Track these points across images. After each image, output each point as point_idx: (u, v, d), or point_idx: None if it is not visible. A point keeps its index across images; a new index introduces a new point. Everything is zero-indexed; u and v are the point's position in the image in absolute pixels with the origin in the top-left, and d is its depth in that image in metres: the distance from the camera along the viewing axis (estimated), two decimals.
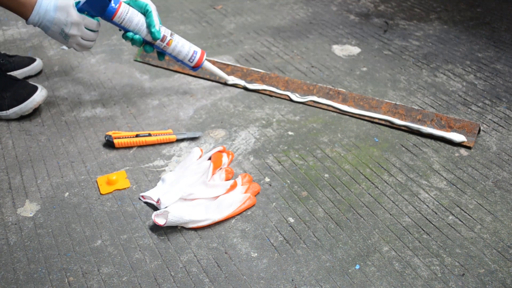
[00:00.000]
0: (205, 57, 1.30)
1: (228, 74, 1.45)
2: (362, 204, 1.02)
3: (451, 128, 1.19)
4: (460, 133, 1.18)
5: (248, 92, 1.40)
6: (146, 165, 1.13)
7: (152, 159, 1.15)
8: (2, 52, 1.48)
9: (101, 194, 1.06)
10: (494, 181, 1.07)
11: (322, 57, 1.59)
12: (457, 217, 0.98)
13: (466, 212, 0.99)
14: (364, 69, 1.51)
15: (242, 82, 1.42)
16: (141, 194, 1.04)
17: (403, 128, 1.23)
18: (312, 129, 1.24)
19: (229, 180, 1.07)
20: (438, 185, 1.06)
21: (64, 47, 1.66)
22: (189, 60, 1.28)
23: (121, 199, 1.04)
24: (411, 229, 0.96)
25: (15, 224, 0.98)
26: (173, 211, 0.96)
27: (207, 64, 1.32)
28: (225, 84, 1.43)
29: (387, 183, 1.07)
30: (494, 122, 1.25)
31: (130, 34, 1.20)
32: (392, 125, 1.24)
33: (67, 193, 1.06)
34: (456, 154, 1.15)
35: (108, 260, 0.90)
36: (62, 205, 1.03)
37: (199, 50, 1.29)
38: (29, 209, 1.02)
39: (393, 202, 1.02)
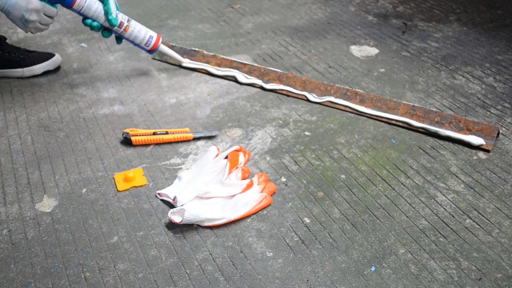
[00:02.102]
0: (160, 41, 1.38)
1: (246, 73, 1.45)
2: (378, 205, 1.01)
3: (469, 131, 1.18)
4: (478, 136, 1.17)
5: (265, 92, 1.40)
6: (163, 163, 1.14)
7: (169, 157, 1.16)
8: (22, 47, 1.50)
9: (118, 190, 1.06)
10: None
11: (339, 57, 1.58)
12: (474, 221, 0.97)
13: (484, 216, 0.98)
14: (382, 70, 1.50)
15: (259, 82, 1.42)
16: (158, 191, 1.05)
17: (420, 130, 1.22)
18: (329, 130, 1.24)
19: (245, 179, 1.07)
20: (455, 188, 1.05)
21: (83, 44, 1.67)
22: (145, 44, 1.36)
23: (137, 196, 1.05)
24: (428, 232, 0.95)
25: (33, 219, 0.99)
26: (189, 209, 0.96)
27: (163, 48, 1.41)
28: (242, 83, 1.43)
29: (404, 185, 1.06)
30: None
31: (88, 21, 1.27)
32: (409, 127, 1.23)
33: (85, 189, 1.07)
34: (475, 157, 1.14)
35: (124, 256, 0.91)
36: (79, 201, 1.04)
37: (154, 35, 1.36)
38: (47, 204, 1.03)
39: (409, 204, 1.01)
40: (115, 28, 1.30)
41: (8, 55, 1.45)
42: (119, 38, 1.35)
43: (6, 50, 1.45)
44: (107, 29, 1.30)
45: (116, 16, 1.29)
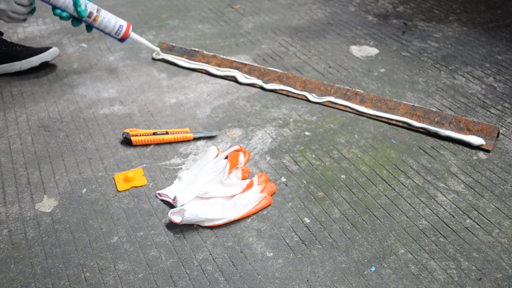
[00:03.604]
0: (131, 29, 1.40)
1: (246, 73, 1.45)
2: (378, 206, 1.01)
3: (469, 131, 1.18)
4: (478, 136, 1.17)
5: (265, 92, 1.40)
6: (163, 163, 1.14)
7: (169, 157, 1.16)
8: (20, 44, 1.50)
9: (118, 191, 1.06)
10: None
11: (339, 57, 1.58)
12: (474, 221, 0.97)
13: (484, 216, 0.98)
14: (382, 70, 1.50)
15: (259, 82, 1.42)
16: (158, 191, 1.05)
17: (420, 130, 1.22)
18: (329, 130, 1.24)
19: (245, 179, 1.07)
20: (455, 188, 1.05)
21: (83, 44, 1.67)
22: (115, 34, 1.38)
23: (137, 196, 1.05)
24: (428, 232, 0.95)
25: (33, 219, 0.99)
26: (189, 209, 0.96)
27: (134, 36, 1.42)
28: (242, 83, 1.43)
29: (404, 185, 1.06)
30: None
31: (58, 11, 1.29)
32: (409, 127, 1.23)
33: (85, 190, 1.07)
34: (475, 157, 1.14)
35: (124, 256, 0.91)
36: (79, 201, 1.04)
37: (124, 24, 1.38)
38: (47, 204, 1.03)
39: (409, 204, 1.01)
40: (85, 18, 1.32)
41: (5, 48, 1.45)
42: (89, 27, 1.37)
43: (4, 45, 1.45)
44: (77, 19, 1.32)
45: (85, 8, 1.31)
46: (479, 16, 1.83)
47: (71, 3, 1.29)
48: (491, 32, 1.71)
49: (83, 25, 1.63)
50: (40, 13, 1.91)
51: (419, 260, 0.89)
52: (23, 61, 1.47)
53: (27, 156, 1.17)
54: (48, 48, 1.51)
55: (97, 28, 1.36)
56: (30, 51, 1.47)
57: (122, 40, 1.40)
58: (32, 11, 1.34)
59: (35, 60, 1.48)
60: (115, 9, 1.95)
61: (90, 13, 1.32)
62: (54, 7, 1.29)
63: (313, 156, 1.15)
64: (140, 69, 1.52)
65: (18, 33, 1.76)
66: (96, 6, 1.34)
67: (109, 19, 1.36)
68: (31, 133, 1.24)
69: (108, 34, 1.38)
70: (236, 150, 1.12)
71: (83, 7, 1.30)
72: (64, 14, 1.29)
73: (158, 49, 1.52)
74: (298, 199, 1.03)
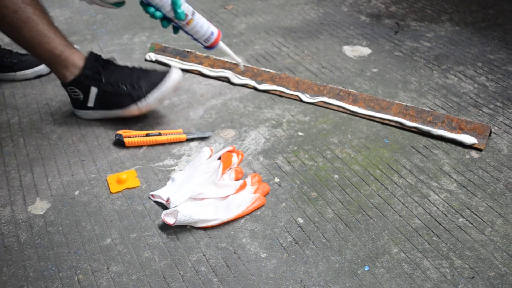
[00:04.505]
0: (220, 38, 1.23)
1: (239, 74, 1.45)
2: (371, 205, 1.01)
3: (462, 130, 1.19)
4: (471, 135, 1.17)
5: (258, 92, 1.40)
6: (156, 164, 1.14)
7: (162, 158, 1.16)
8: (15, 51, 1.49)
9: (111, 192, 1.06)
10: (505, 184, 1.06)
11: (332, 57, 1.58)
12: (467, 220, 0.97)
13: (476, 215, 0.98)
14: (375, 70, 1.50)
15: (252, 82, 1.42)
16: (151, 193, 1.05)
17: (413, 129, 1.22)
18: (322, 130, 1.24)
19: (238, 180, 1.07)
20: (448, 187, 1.05)
21: (76, 45, 1.67)
22: (204, 40, 1.21)
23: (131, 198, 1.05)
24: (421, 231, 0.95)
25: (26, 221, 0.99)
26: (183, 211, 0.96)
27: (222, 45, 1.24)
28: (235, 84, 1.43)
29: (397, 185, 1.06)
30: (506, 124, 1.24)
31: (151, 9, 1.14)
32: (402, 127, 1.24)
33: (77, 192, 1.06)
34: (467, 156, 1.14)
35: (118, 258, 0.91)
36: (72, 203, 1.03)
37: (216, 31, 1.22)
38: (39, 207, 1.03)
39: (402, 203, 1.02)
40: (176, 20, 1.17)
41: (0, 60, 1.44)
42: (176, 29, 1.21)
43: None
44: (168, 19, 1.17)
45: (184, 10, 1.15)
46: (471, 16, 1.84)
47: (169, 2, 1.14)
48: (483, 31, 1.72)
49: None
50: None
51: (412, 259, 0.89)
52: (18, 73, 1.46)
53: (19, 158, 1.16)
54: None
55: (187, 32, 1.21)
56: (26, 63, 1.46)
57: (209, 48, 1.24)
58: (120, 4, 1.17)
59: (30, 74, 1.47)
60: (107, 10, 1.95)
61: (185, 15, 1.17)
62: (148, 4, 1.14)
63: (306, 156, 1.15)
64: None
65: None
66: (191, 9, 1.19)
67: (202, 24, 1.20)
68: (23, 135, 1.24)
69: (196, 40, 1.22)
70: (229, 151, 1.12)
71: (182, 8, 1.15)
72: (158, 13, 1.14)
73: (240, 61, 1.30)
74: (291, 200, 1.03)
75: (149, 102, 1.23)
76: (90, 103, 1.24)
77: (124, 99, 1.23)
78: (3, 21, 1.12)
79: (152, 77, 1.24)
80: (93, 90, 1.22)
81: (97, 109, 1.26)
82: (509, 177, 1.07)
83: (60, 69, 1.21)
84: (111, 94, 1.22)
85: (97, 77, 1.21)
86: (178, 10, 1.13)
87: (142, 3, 1.14)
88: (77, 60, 1.21)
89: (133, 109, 1.23)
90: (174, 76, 1.24)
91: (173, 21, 1.18)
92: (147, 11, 1.15)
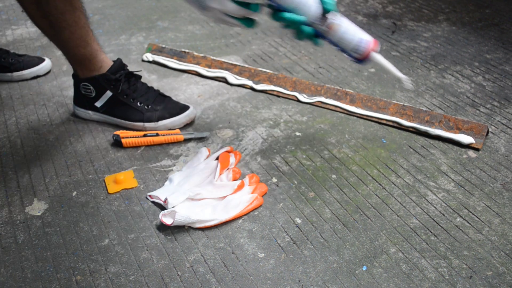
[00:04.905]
0: (377, 48, 1.00)
1: (236, 74, 1.45)
2: (369, 205, 1.01)
3: (459, 130, 1.19)
4: (468, 134, 1.18)
5: (255, 93, 1.40)
6: (154, 165, 1.14)
7: (160, 159, 1.15)
8: (12, 51, 1.49)
9: (108, 193, 1.06)
10: (503, 183, 1.06)
11: (330, 57, 1.58)
12: (465, 219, 0.98)
13: (474, 214, 0.99)
14: (372, 70, 1.51)
15: (249, 83, 1.42)
16: (149, 193, 1.05)
17: (411, 129, 1.23)
18: (319, 130, 1.24)
19: (236, 180, 1.07)
20: (446, 186, 1.06)
21: None
22: (352, 50, 0.99)
23: (128, 198, 1.04)
24: (419, 230, 0.95)
25: (23, 222, 0.99)
26: (181, 211, 0.96)
27: (377, 57, 1.00)
28: (232, 84, 1.43)
29: (395, 185, 1.07)
30: (503, 124, 1.24)
31: (287, 14, 0.92)
32: (400, 127, 1.24)
33: (75, 192, 1.06)
34: (464, 156, 1.14)
35: (116, 259, 0.91)
36: (70, 204, 1.03)
37: (366, 38, 0.99)
38: (37, 207, 1.02)
39: (400, 203, 1.02)
40: (317, 24, 0.95)
41: None
42: (317, 37, 0.98)
43: None
44: (308, 25, 0.95)
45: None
46: (468, 16, 1.84)
47: (309, 1, 0.93)
48: (479, 31, 1.72)
49: None
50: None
51: (410, 259, 0.89)
52: (15, 74, 1.46)
53: (16, 159, 1.16)
54: (41, 59, 1.50)
55: (329, 40, 0.99)
56: (23, 64, 1.46)
57: (360, 61, 1.01)
58: (250, 22, 0.97)
59: (26, 75, 1.47)
60: (104, 11, 1.95)
61: (325, 17, 0.95)
62: (281, 9, 0.93)
63: (304, 156, 1.15)
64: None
65: (6, 36, 1.75)
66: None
67: (347, 29, 0.97)
68: (21, 136, 1.23)
69: (342, 49, 1.00)
70: (227, 151, 1.12)
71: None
72: (299, 18, 0.92)
73: (405, 77, 1.06)
74: (289, 200, 1.03)
75: (157, 126, 1.24)
76: (99, 104, 1.25)
77: (134, 114, 1.24)
78: (44, 17, 1.12)
79: (169, 106, 1.26)
80: (108, 93, 1.23)
81: (102, 112, 1.26)
82: (507, 177, 1.08)
83: (84, 67, 1.22)
84: (123, 103, 1.24)
85: (117, 84, 1.23)
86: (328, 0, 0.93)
87: (274, 14, 0.95)
88: (105, 63, 1.22)
89: (138, 126, 1.25)
90: (190, 114, 1.26)
91: (313, 27, 0.96)
92: (280, 17, 0.93)
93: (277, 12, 0.93)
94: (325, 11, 0.93)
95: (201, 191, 1.02)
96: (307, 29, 0.94)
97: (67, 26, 1.13)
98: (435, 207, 1.01)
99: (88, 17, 1.18)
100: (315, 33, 0.97)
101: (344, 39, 0.98)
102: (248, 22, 0.96)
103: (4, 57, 1.45)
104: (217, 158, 1.10)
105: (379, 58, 1.00)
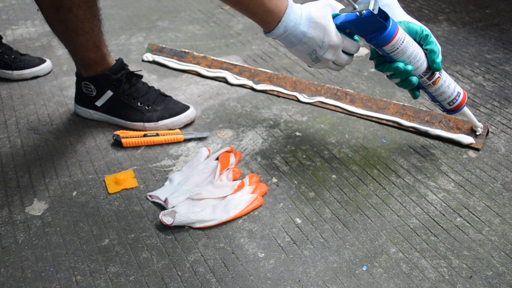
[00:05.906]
0: (466, 100, 1.06)
1: (236, 74, 1.45)
2: (369, 205, 1.02)
3: (459, 130, 1.19)
4: (468, 134, 1.18)
5: (255, 93, 1.40)
6: (154, 165, 1.14)
7: (160, 159, 1.15)
8: (15, 49, 1.50)
9: (108, 193, 1.06)
10: (503, 183, 1.06)
11: None
12: (465, 219, 0.98)
13: (474, 214, 0.99)
14: (372, 70, 1.51)
15: (249, 83, 1.42)
16: (149, 193, 1.05)
17: (411, 129, 1.23)
18: (319, 130, 1.24)
19: (236, 180, 1.07)
20: (446, 186, 1.06)
21: None
22: (448, 103, 1.05)
23: (128, 198, 1.04)
24: (419, 230, 0.95)
25: (23, 222, 0.99)
26: (181, 211, 0.96)
27: (466, 111, 1.09)
28: (233, 84, 1.43)
29: (395, 185, 1.07)
30: (503, 124, 1.24)
31: (400, 65, 0.95)
32: (400, 127, 1.24)
33: (75, 192, 1.06)
34: (464, 156, 1.14)
35: (116, 259, 0.91)
36: (70, 204, 1.03)
37: (462, 92, 1.05)
38: (37, 207, 1.03)
39: (400, 203, 1.02)
40: (425, 78, 1.00)
41: (1, 55, 1.45)
42: (417, 90, 1.04)
43: (0, 50, 1.45)
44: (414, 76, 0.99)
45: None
46: (468, 16, 1.84)
47: (420, 55, 0.96)
48: (480, 31, 1.72)
49: None
50: (29, 15, 1.90)
51: (410, 259, 0.89)
52: (15, 73, 1.46)
53: (16, 159, 1.16)
54: (42, 60, 1.50)
55: (429, 94, 1.04)
56: (24, 63, 1.46)
57: (450, 112, 1.07)
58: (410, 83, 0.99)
59: (26, 74, 1.47)
60: (104, 11, 1.94)
61: (432, 73, 1.00)
62: (393, 60, 0.96)
63: (304, 156, 1.15)
64: None
65: (7, 36, 1.75)
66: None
67: (449, 84, 1.02)
68: (21, 136, 1.24)
69: (438, 102, 1.05)
70: (227, 151, 1.12)
71: (441, 56, 0.96)
72: (409, 67, 0.95)
73: (481, 125, 1.16)
74: (289, 200, 1.03)
75: (157, 126, 1.24)
76: (99, 103, 1.25)
77: (134, 114, 1.24)
78: (62, 22, 1.11)
79: (170, 106, 1.26)
80: (109, 93, 1.23)
81: (102, 111, 1.26)
82: (507, 177, 1.08)
83: (90, 69, 1.22)
84: (123, 103, 1.24)
85: (118, 84, 1.23)
86: (438, 60, 0.96)
87: (384, 65, 0.98)
88: (109, 65, 1.22)
89: (138, 126, 1.25)
90: (190, 114, 1.27)
91: (422, 80, 1.01)
92: (393, 69, 0.96)
93: (388, 63, 0.97)
94: (434, 70, 0.98)
95: (201, 191, 1.02)
96: (414, 80, 0.98)
97: (83, 33, 1.13)
98: (435, 207, 1.01)
99: (102, 23, 1.18)
100: (419, 86, 1.02)
101: (445, 93, 1.03)
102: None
103: (7, 53, 1.46)
104: (217, 158, 1.10)
105: (466, 110, 1.08)
